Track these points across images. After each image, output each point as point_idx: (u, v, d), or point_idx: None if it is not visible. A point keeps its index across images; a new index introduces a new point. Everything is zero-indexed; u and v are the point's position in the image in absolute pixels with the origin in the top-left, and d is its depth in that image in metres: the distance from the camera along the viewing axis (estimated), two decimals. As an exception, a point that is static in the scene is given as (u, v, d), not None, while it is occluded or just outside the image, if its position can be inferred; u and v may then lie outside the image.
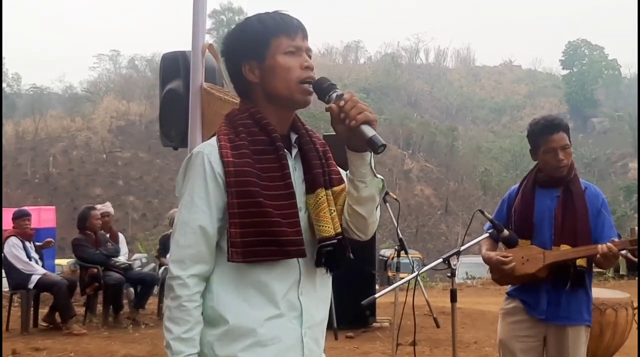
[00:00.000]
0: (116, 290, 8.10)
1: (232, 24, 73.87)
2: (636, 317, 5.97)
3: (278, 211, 1.73)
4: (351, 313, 6.96)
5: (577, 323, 3.26)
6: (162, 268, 8.97)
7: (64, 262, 16.14)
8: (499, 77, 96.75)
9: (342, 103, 1.71)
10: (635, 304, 5.97)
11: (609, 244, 3.05)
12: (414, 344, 4.79)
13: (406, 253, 5.68)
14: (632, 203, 45.16)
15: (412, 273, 3.25)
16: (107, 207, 9.14)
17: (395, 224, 5.52)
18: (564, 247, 3.20)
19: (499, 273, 3.34)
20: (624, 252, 3.16)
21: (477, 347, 6.90)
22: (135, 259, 11.55)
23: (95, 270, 8.00)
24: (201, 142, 3.18)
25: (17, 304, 8.27)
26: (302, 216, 1.81)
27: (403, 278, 3.37)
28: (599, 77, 79.63)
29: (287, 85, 1.79)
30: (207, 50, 3.07)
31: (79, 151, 58.59)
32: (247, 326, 1.75)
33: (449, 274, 3.19)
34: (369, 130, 1.70)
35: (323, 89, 1.78)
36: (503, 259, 3.25)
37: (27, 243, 7.93)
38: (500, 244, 3.40)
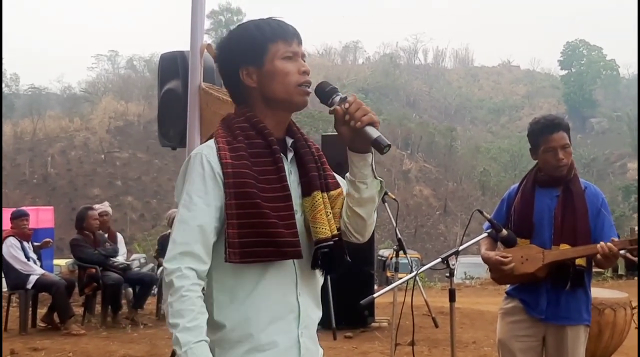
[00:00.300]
0: (115, 290, 8.09)
1: (230, 25, 73.95)
2: (635, 317, 5.98)
3: (275, 212, 1.75)
4: (350, 313, 6.96)
5: (577, 323, 3.26)
6: (161, 268, 8.96)
7: (62, 263, 16.15)
8: (497, 77, 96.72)
9: (346, 105, 1.76)
10: (634, 304, 5.97)
11: (609, 243, 3.05)
12: (412, 344, 4.80)
13: (405, 253, 5.68)
14: (631, 203, 45.20)
15: (410, 273, 3.24)
16: (105, 206, 9.14)
17: (394, 224, 5.52)
18: (564, 246, 3.20)
19: (498, 273, 3.34)
20: (622, 252, 3.16)
21: (475, 347, 6.90)
22: (133, 259, 11.56)
23: (94, 270, 7.99)
24: (200, 143, 3.18)
25: (15, 305, 8.26)
26: (298, 218, 1.83)
27: (402, 278, 3.37)
28: (598, 77, 79.64)
29: (285, 89, 1.83)
30: (205, 51, 3.07)
31: (77, 151, 58.54)
32: (245, 331, 1.76)
33: (447, 274, 3.19)
34: (373, 132, 1.76)
35: (325, 92, 1.82)
36: (502, 259, 3.25)
37: (25, 243, 7.93)
38: (500, 244, 3.40)
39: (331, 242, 1.82)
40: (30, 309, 7.90)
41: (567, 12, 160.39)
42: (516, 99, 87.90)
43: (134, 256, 18.37)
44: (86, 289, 8.11)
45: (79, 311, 8.46)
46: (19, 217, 8.09)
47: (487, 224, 3.34)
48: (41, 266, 8.11)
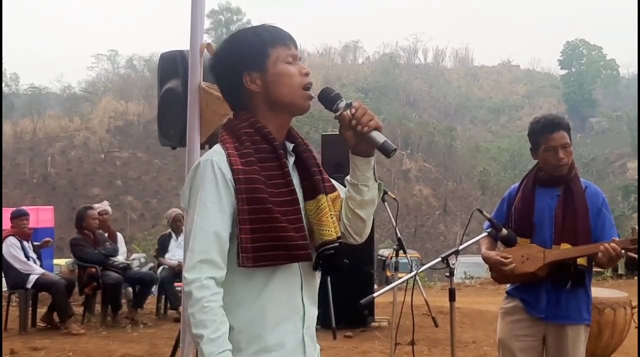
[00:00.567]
0: (115, 290, 8.09)
1: (230, 24, 73.98)
2: (634, 317, 5.98)
3: (284, 216, 1.79)
4: (350, 313, 6.96)
5: (577, 322, 3.26)
6: (161, 268, 8.98)
7: (62, 262, 16.13)
8: (497, 77, 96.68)
9: (353, 111, 1.82)
10: (634, 304, 5.98)
11: (612, 244, 3.05)
12: (412, 343, 4.80)
13: (405, 253, 5.68)
14: (631, 203, 45.19)
15: (410, 273, 3.24)
16: (105, 205, 9.15)
17: (394, 224, 5.52)
18: (564, 246, 3.20)
19: (499, 272, 3.34)
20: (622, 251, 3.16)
21: (475, 347, 6.91)
22: (133, 259, 11.55)
23: (94, 270, 7.99)
24: (199, 142, 3.18)
25: (15, 304, 8.27)
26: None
27: (401, 278, 3.36)
28: (597, 77, 79.62)
29: (291, 92, 1.86)
30: (205, 50, 3.07)
31: (77, 151, 58.52)
32: (254, 332, 1.79)
33: (447, 274, 3.19)
34: (380, 137, 1.82)
35: (330, 98, 1.88)
36: (503, 259, 3.25)
37: (25, 243, 7.93)
38: (500, 243, 3.40)
39: (336, 244, 1.86)
40: (30, 308, 7.90)
41: (567, 12, 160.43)
42: (516, 98, 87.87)
43: (134, 255, 18.34)
44: (86, 289, 8.10)
45: (78, 310, 8.45)
46: (18, 216, 8.08)
47: (487, 223, 3.34)
48: (41, 266, 8.11)
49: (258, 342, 1.78)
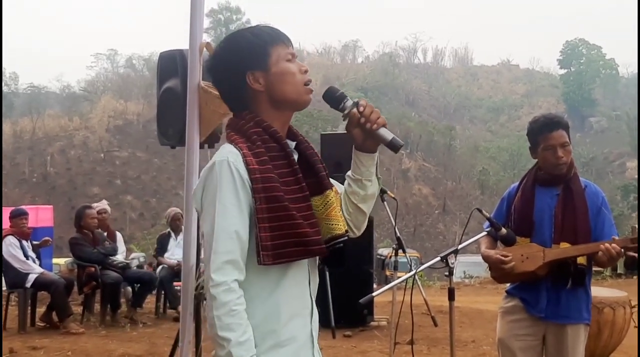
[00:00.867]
0: (114, 289, 8.09)
1: (229, 23, 73.93)
2: (634, 316, 5.99)
3: (299, 213, 1.82)
4: (349, 312, 6.96)
5: (577, 322, 3.26)
6: (160, 267, 8.97)
7: (61, 261, 16.10)
8: (496, 76, 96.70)
9: (361, 108, 1.88)
10: (633, 303, 5.98)
11: (613, 244, 3.05)
12: (411, 343, 4.79)
13: (404, 252, 5.69)
14: (630, 202, 45.21)
15: (409, 272, 3.24)
16: (104, 204, 9.13)
17: (393, 223, 5.52)
18: (564, 245, 3.20)
19: (498, 271, 3.34)
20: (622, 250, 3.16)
21: (474, 346, 6.91)
22: (133, 258, 11.52)
23: (93, 269, 7.98)
24: (198, 141, 3.18)
25: (14, 303, 8.26)
26: None
27: (401, 277, 3.37)
28: (597, 76, 79.65)
29: (295, 89, 1.91)
30: (204, 49, 3.07)
31: (77, 150, 58.51)
32: (268, 328, 1.81)
33: (446, 273, 3.19)
34: (388, 133, 1.90)
35: (336, 97, 1.93)
36: (502, 258, 3.25)
37: (24, 242, 7.92)
38: (499, 243, 3.40)
39: (345, 238, 1.93)
40: (29, 307, 7.89)
41: (567, 12, 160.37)
42: (515, 98, 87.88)
43: (134, 254, 18.32)
44: (85, 288, 8.10)
45: (78, 309, 8.44)
46: (18, 216, 8.08)
47: (486, 222, 3.34)
48: (40, 265, 8.10)
49: (273, 338, 1.82)
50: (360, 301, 3.35)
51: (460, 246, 3.22)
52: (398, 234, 5.60)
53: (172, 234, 9.16)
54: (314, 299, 1.95)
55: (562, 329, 3.25)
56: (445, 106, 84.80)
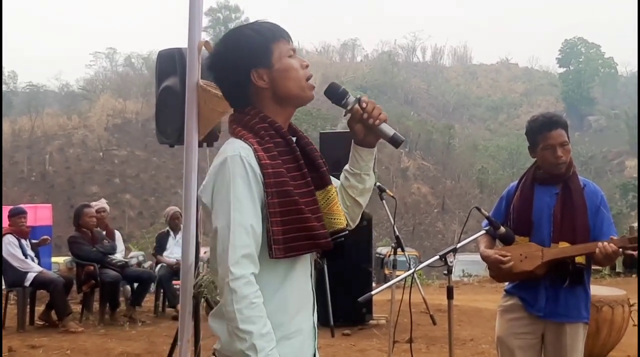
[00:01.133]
0: (113, 287, 8.09)
1: (228, 22, 73.84)
2: (632, 315, 6.00)
3: (307, 207, 1.85)
4: (348, 310, 6.97)
5: (576, 320, 3.26)
6: (159, 266, 8.97)
7: (60, 260, 16.09)
8: (495, 75, 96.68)
9: (364, 105, 1.94)
10: (632, 302, 5.99)
11: (610, 243, 3.05)
12: (410, 341, 4.79)
13: (403, 251, 5.68)
14: (629, 201, 45.27)
15: (408, 271, 3.24)
16: (102, 203, 9.14)
17: (392, 222, 5.52)
18: (563, 244, 3.20)
19: (497, 270, 3.34)
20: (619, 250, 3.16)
21: (473, 345, 6.92)
22: (132, 257, 11.52)
23: (92, 268, 7.99)
24: (197, 139, 3.18)
25: (13, 302, 8.27)
26: None
27: (399, 276, 3.36)
28: (596, 75, 79.63)
29: (298, 84, 1.93)
30: (203, 48, 3.06)
31: (76, 149, 58.46)
32: (276, 320, 1.83)
33: (445, 272, 3.19)
34: (389, 129, 1.96)
35: (338, 93, 1.98)
36: (501, 257, 3.25)
37: (23, 241, 7.92)
38: (498, 241, 3.40)
39: (347, 231, 1.96)
40: (28, 306, 7.89)
41: (566, 11, 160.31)
42: (514, 96, 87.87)
43: (132, 253, 18.32)
44: (84, 287, 8.10)
45: (76, 308, 8.45)
46: (17, 214, 8.08)
47: (485, 221, 3.33)
48: (39, 264, 8.11)
49: (281, 330, 1.83)
50: (359, 299, 3.35)
51: (459, 245, 3.21)
52: (397, 233, 5.60)
53: (171, 233, 9.17)
54: (314, 291, 1.99)
55: (561, 328, 3.25)
56: (444, 105, 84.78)
